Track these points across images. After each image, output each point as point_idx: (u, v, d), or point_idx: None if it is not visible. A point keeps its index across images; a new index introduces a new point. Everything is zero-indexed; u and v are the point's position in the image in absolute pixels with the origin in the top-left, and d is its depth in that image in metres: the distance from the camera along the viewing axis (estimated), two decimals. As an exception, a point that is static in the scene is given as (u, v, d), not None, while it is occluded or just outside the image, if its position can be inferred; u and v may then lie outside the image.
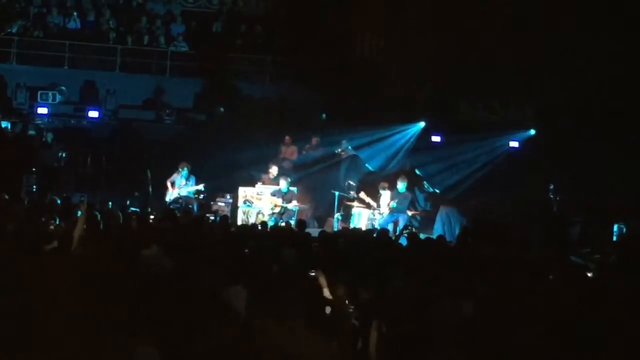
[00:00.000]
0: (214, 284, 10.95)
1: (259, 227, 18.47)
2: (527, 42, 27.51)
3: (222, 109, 28.37)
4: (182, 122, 28.71)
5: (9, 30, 29.11)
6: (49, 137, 26.56)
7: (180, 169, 23.89)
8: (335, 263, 13.99)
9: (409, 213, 23.62)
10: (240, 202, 23.86)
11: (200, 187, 23.95)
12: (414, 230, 22.38)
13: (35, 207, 18.14)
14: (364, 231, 20.08)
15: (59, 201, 18.63)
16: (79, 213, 16.99)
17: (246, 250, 14.30)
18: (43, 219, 15.52)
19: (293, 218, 22.92)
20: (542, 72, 27.55)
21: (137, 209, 20.08)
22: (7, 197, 18.09)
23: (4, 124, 25.73)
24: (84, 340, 8.98)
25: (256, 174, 25.11)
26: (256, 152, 26.25)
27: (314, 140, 27.01)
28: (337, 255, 14.71)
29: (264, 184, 24.25)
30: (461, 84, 28.55)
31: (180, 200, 23.20)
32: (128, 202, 21.97)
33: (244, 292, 10.94)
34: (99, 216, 15.85)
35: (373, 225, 22.69)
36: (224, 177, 26.26)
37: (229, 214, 23.39)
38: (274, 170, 24.53)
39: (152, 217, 19.26)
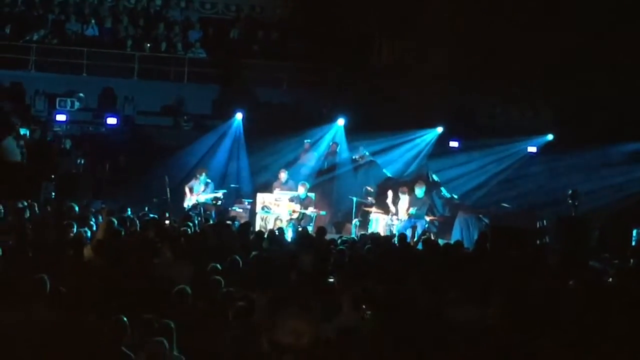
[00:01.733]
0: (233, 290, 10.98)
1: (277, 234, 18.47)
2: (544, 47, 27.47)
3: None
4: (199, 128, 28.71)
5: (30, 38, 29.20)
6: (67, 143, 26.59)
7: (198, 175, 23.94)
8: (354, 268, 14.03)
9: (427, 218, 23.57)
10: (258, 208, 23.81)
11: (219, 194, 23.99)
12: (432, 236, 22.36)
13: (54, 214, 18.20)
14: (383, 237, 20.05)
15: (77, 208, 18.68)
16: (93, 220, 17.12)
17: (264, 256, 14.32)
18: (62, 226, 15.56)
19: (311, 224, 22.92)
20: (559, 77, 27.48)
21: (156, 215, 20.09)
22: (26, 204, 18.16)
23: (22, 131, 25.79)
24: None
25: (271, 180, 25.11)
26: (274, 158, 26.30)
27: (333, 146, 27.00)
28: (356, 261, 14.74)
29: (280, 189, 24.22)
30: (479, 90, 28.53)
31: (199, 207, 23.20)
32: (146, 209, 21.96)
33: (263, 298, 10.96)
34: (117, 223, 15.91)
35: (391, 231, 22.65)
36: (242, 183, 26.33)
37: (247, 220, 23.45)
38: (283, 176, 24.49)
39: (167, 222, 19.28)
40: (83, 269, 12.35)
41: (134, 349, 8.96)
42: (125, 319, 9.21)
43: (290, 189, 23.92)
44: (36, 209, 18.59)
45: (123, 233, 15.60)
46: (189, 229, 16.64)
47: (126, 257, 13.24)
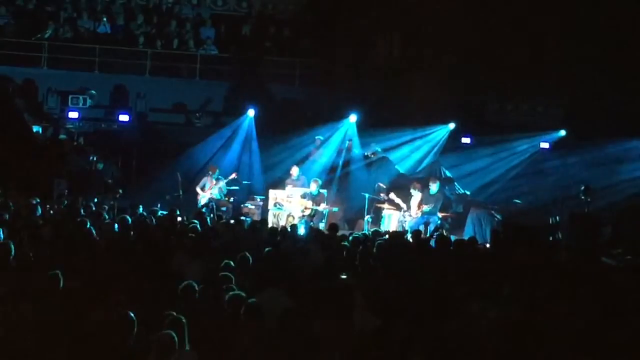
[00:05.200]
0: (247, 287, 10.98)
1: (289, 230, 18.45)
2: (555, 42, 27.44)
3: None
4: (211, 125, 28.75)
5: (42, 35, 29.26)
6: (80, 141, 26.66)
7: (210, 172, 24.01)
8: (367, 265, 14.01)
9: (440, 215, 23.53)
10: (270, 205, 23.86)
11: (234, 175, 24.07)
12: (444, 232, 22.31)
13: (67, 211, 18.24)
14: (395, 233, 20.01)
15: (93, 207, 18.74)
16: (106, 217, 17.16)
17: (277, 253, 14.31)
18: (75, 223, 15.60)
19: (323, 220, 22.92)
20: (571, 73, 27.44)
21: (167, 212, 20.10)
22: (38, 200, 18.21)
23: (35, 129, 25.85)
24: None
25: (283, 176, 25.11)
26: (285, 155, 26.29)
27: (349, 144, 27.01)
28: (369, 257, 14.72)
29: (292, 186, 24.21)
30: (491, 86, 28.50)
31: (211, 204, 23.20)
32: (159, 206, 21.99)
33: (284, 296, 10.94)
34: (129, 220, 15.92)
35: (403, 227, 22.63)
36: (254, 180, 26.33)
37: (259, 217, 23.43)
38: (294, 171, 24.53)
39: (179, 219, 19.29)
40: (95, 265, 12.37)
41: (144, 344, 8.97)
42: (132, 315, 9.23)
43: (303, 185, 23.94)
44: (54, 205, 18.68)
45: (135, 230, 15.62)
46: (200, 226, 16.65)
47: (138, 253, 13.26)
